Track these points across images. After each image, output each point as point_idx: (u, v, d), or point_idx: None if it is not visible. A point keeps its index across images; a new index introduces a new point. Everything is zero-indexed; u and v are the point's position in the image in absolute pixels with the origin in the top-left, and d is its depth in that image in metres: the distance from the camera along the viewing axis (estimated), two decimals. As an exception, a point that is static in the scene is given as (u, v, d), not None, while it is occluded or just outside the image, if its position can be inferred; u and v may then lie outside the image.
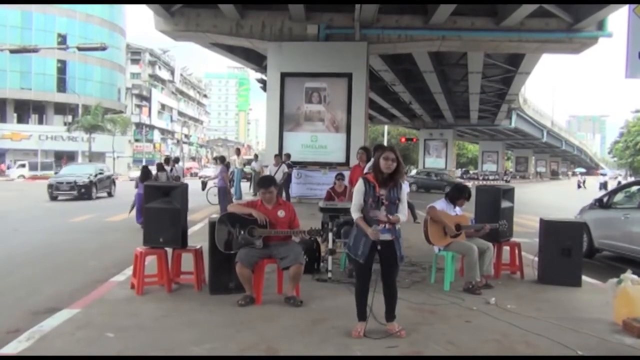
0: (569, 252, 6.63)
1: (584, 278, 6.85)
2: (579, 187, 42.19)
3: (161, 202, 5.85)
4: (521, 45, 19.23)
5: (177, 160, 19.04)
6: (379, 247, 4.40)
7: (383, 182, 4.39)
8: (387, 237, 4.40)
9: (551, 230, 6.81)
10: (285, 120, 18.98)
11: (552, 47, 19.15)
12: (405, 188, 5.03)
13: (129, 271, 6.55)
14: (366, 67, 19.08)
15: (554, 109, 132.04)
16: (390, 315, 4.59)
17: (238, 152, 23.95)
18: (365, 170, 7.39)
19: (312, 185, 18.44)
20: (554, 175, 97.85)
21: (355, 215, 4.45)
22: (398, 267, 4.56)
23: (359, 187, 4.45)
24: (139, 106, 72.76)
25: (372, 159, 6.11)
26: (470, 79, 28.45)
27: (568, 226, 6.87)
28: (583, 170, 61.02)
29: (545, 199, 28.83)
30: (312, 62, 18.59)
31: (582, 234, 7.05)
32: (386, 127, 57.92)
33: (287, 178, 17.12)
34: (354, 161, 18.52)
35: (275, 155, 16.64)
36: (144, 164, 16.41)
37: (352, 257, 4.53)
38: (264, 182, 5.74)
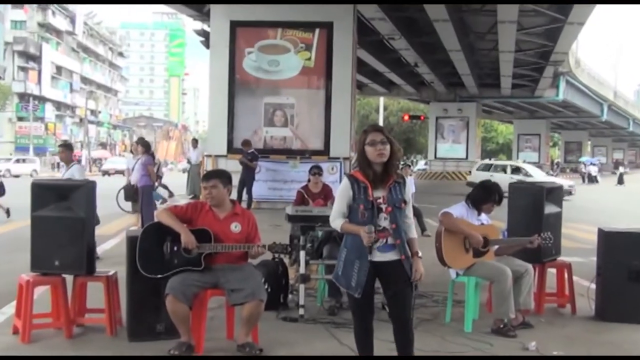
0: (638, 275, 6.74)
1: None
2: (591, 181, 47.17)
3: (56, 209, 5.79)
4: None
5: (69, 147, 18.42)
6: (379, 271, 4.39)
7: (378, 179, 4.39)
8: (392, 256, 4.41)
9: (614, 245, 6.90)
10: (237, 91, 18.91)
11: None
12: (411, 185, 5.05)
13: (10, 309, 6.46)
14: (353, 13, 19.12)
15: (618, 76, 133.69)
16: None
17: (195, 143, 23.92)
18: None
19: (276, 184, 18.42)
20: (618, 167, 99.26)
21: (336, 222, 4.46)
22: (412, 297, 4.50)
23: (343, 189, 4.44)
24: (24, 69, 71.70)
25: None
26: (501, 31, 28.63)
27: (637, 239, 6.97)
28: (593, 160, 62.49)
29: (606, 202, 29.25)
30: (275, 8, 18.56)
31: (657, 251, 7.15)
32: (382, 99, 58.10)
33: (250, 174, 17.01)
34: (335, 149, 18.80)
35: (136, 142, 15.56)
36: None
37: (344, 291, 4.54)
38: (205, 175, 5.84)
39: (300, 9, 18.46)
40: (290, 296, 7.00)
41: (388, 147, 4.34)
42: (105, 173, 48.84)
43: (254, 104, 19.14)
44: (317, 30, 18.87)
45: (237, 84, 18.93)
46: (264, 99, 19.21)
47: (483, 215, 6.66)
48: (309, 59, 19.02)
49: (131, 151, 14.68)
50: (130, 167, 14.00)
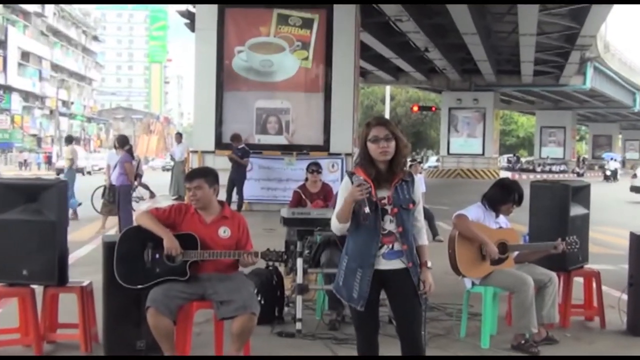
0: (675, 285, 6.74)
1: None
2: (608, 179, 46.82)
3: (23, 212, 5.78)
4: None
5: None
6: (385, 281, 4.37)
7: (382, 178, 4.37)
8: (398, 263, 4.37)
9: (648, 250, 6.91)
10: (226, 78, 18.89)
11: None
12: (421, 184, 5.03)
13: (-28, 324, 6.46)
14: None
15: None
16: None
17: (179, 137, 23.90)
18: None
19: (270, 183, 18.42)
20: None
21: (335, 224, 4.44)
22: (422, 311, 4.48)
23: (344, 189, 4.39)
24: (-13, 55, 71.72)
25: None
26: (521, 11, 28.65)
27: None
28: (614, 155, 62.78)
29: (613, 203, 29.17)
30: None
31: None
32: (388, 88, 58.14)
33: (240, 172, 16.99)
34: (335, 144, 18.77)
35: (118, 137, 15.52)
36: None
37: (346, 303, 4.52)
38: (188, 174, 5.86)
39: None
40: (286, 309, 7.00)
41: (393, 143, 4.29)
42: (60, 171, 45.68)
43: (245, 109, 19.06)
44: (315, 25, 18.81)
45: (226, 72, 18.90)
46: (255, 104, 19.16)
47: (501, 218, 6.66)
48: (307, 58, 18.94)
49: (114, 146, 14.62)
50: (112, 165, 13.96)
